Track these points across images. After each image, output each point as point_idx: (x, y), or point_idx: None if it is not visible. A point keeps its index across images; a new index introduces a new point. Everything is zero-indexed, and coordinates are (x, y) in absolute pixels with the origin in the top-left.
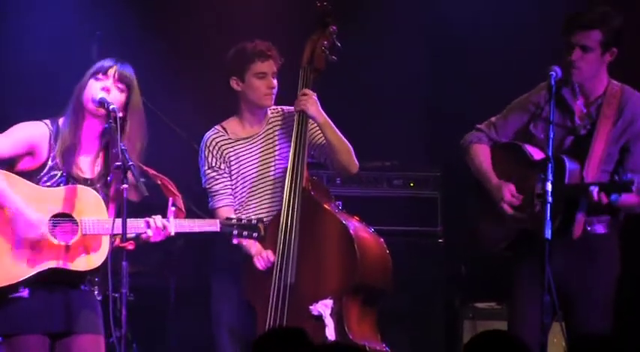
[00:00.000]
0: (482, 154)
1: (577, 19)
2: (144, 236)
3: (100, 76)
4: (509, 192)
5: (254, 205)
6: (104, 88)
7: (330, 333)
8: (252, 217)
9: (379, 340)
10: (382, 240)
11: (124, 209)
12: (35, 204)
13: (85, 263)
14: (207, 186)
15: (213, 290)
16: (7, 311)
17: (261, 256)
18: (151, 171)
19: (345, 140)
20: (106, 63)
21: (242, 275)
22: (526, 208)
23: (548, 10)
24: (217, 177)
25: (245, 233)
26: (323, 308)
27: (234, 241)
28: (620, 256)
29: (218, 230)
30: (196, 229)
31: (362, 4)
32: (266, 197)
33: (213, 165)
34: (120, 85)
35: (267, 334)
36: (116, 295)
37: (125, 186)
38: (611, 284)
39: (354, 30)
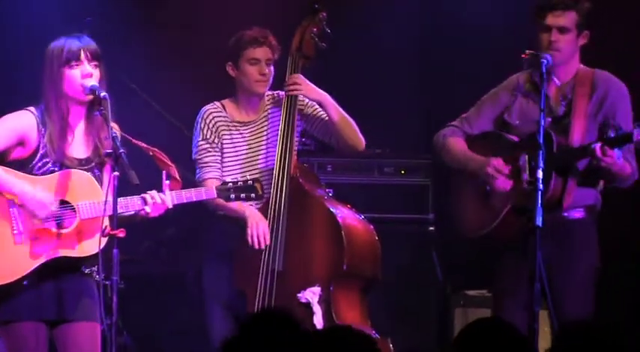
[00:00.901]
0: (459, 144)
1: (552, 2)
2: (142, 212)
3: (73, 63)
4: (496, 162)
5: None
6: (85, 75)
7: (318, 320)
8: (248, 177)
9: (369, 327)
10: (372, 227)
11: (115, 197)
12: None
13: (86, 248)
14: (198, 157)
15: (204, 278)
16: (4, 299)
17: (257, 225)
18: (143, 144)
19: (348, 117)
20: (71, 46)
21: (233, 262)
22: (513, 186)
23: None
24: (210, 149)
25: (243, 195)
26: (311, 295)
27: (233, 205)
28: (599, 244)
29: (215, 196)
30: (194, 199)
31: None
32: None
33: (208, 137)
34: (94, 63)
35: (253, 318)
36: (107, 283)
37: (116, 173)
38: (589, 271)
39: (345, 17)
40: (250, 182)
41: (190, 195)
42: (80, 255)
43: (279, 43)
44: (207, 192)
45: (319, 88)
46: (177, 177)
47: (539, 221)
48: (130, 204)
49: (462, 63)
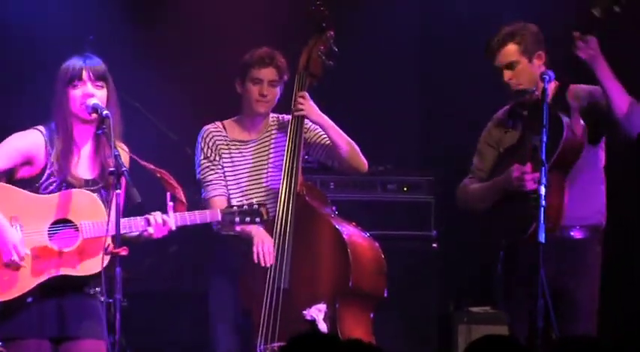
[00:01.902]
0: (479, 185)
1: (490, 44)
2: (145, 234)
3: (76, 82)
4: (517, 171)
5: None
6: (86, 95)
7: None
8: (254, 201)
9: (373, 344)
10: (377, 244)
11: (118, 215)
12: (34, 213)
13: (88, 267)
14: (202, 177)
15: (210, 295)
16: (9, 316)
17: (263, 243)
18: (149, 166)
19: (350, 139)
20: (75, 65)
21: (239, 280)
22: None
23: (543, 15)
24: (212, 167)
25: (247, 219)
26: (316, 312)
27: (237, 228)
28: (602, 263)
29: (219, 219)
30: (198, 221)
31: (356, 8)
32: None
33: (209, 155)
34: (98, 83)
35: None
36: (110, 301)
37: (118, 191)
38: (588, 295)
39: (346, 34)
40: (256, 206)
41: (195, 217)
42: (82, 274)
43: (288, 64)
44: (211, 214)
45: (323, 103)
46: (183, 200)
47: (542, 237)
48: (133, 225)
49: (465, 78)
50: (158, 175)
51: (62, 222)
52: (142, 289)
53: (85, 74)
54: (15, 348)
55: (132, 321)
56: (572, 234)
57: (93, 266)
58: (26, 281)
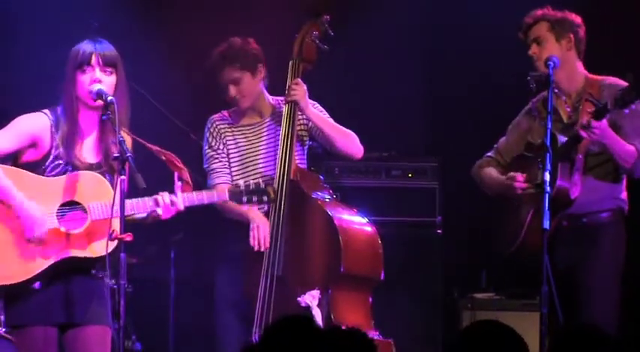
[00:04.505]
0: (491, 171)
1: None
2: (154, 214)
3: (85, 67)
4: (520, 177)
5: None
6: (94, 81)
7: (318, 323)
8: (260, 181)
9: (372, 327)
10: (373, 229)
11: (122, 201)
12: (42, 195)
13: (96, 248)
14: (207, 165)
15: (216, 282)
16: (15, 303)
17: (258, 228)
18: (155, 148)
19: (340, 126)
20: (85, 49)
21: (244, 268)
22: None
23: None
24: (216, 156)
25: (255, 198)
26: (310, 299)
27: (244, 208)
28: (623, 250)
29: (227, 199)
30: (205, 201)
31: None
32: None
33: (212, 144)
34: (107, 69)
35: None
36: (115, 286)
37: (123, 177)
38: (608, 273)
39: (351, 20)
40: (262, 185)
41: (202, 196)
42: (90, 256)
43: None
44: (219, 194)
45: (325, 89)
46: (189, 181)
47: (546, 224)
48: (142, 206)
49: (470, 64)
50: (163, 157)
51: (70, 204)
52: (147, 275)
53: (94, 59)
54: (21, 335)
55: (137, 307)
56: (584, 220)
57: (102, 247)
58: (36, 264)
